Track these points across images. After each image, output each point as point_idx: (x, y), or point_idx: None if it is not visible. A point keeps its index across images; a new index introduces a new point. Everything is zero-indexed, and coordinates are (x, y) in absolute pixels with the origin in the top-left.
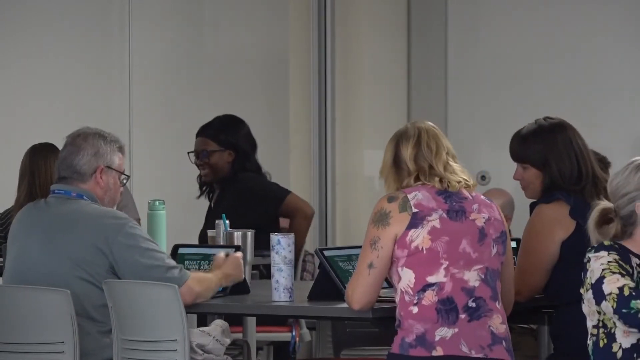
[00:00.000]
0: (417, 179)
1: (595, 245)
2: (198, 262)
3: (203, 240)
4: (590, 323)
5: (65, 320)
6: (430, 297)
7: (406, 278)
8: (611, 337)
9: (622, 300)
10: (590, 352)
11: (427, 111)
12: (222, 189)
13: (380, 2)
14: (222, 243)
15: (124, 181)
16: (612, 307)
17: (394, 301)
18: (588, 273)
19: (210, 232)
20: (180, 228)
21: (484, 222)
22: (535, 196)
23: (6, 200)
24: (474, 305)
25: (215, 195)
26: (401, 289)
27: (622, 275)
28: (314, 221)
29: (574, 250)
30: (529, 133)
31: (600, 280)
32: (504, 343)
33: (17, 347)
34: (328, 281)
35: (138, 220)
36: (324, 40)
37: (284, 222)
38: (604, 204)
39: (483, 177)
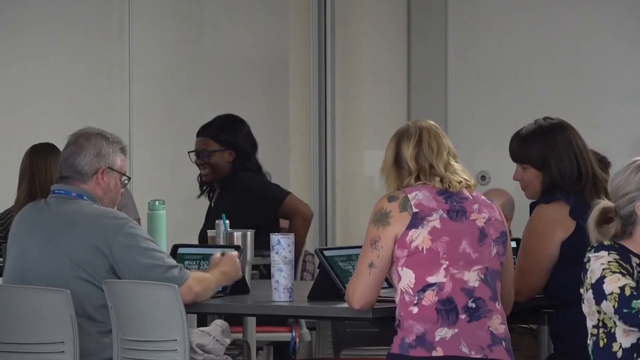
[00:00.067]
0: (417, 178)
1: (595, 245)
2: (198, 262)
3: (203, 240)
4: (590, 323)
5: (65, 320)
6: (430, 297)
7: (406, 278)
8: (611, 337)
9: (623, 300)
10: (590, 352)
11: (427, 111)
12: (222, 188)
13: (380, 2)
14: (222, 243)
15: (125, 182)
16: (614, 306)
17: (394, 301)
18: (588, 273)
19: (210, 232)
20: (180, 228)
21: (485, 223)
22: (535, 196)
23: (6, 200)
24: (473, 305)
25: (215, 194)
26: (401, 289)
27: (623, 275)
28: (314, 221)
29: (574, 250)
30: (529, 133)
31: (601, 280)
32: (503, 343)
33: (17, 347)
34: (328, 281)
35: (138, 220)
36: (324, 40)
37: (283, 223)
38: (604, 203)
39: (483, 177)
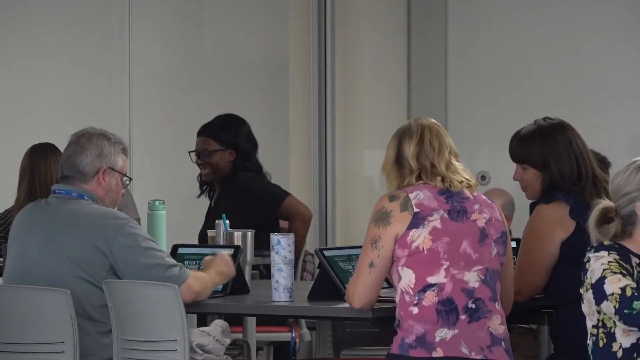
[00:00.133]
0: (418, 177)
1: (595, 245)
2: (198, 262)
3: (202, 239)
4: (589, 323)
5: (65, 320)
6: (430, 297)
7: (406, 278)
8: (611, 337)
9: (624, 301)
10: (590, 352)
11: (427, 111)
12: (222, 188)
13: (380, 2)
14: (222, 243)
15: (126, 183)
16: (614, 307)
17: (394, 301)
18: (588, 273)
19: (210, 232)
20: (180, 228)
21: (485, 223)
22: (536, 197)
23: (6, 200)
24: (473, 306)
25: (215, 194)
26: (401, 289)
27: (624, 276)
28: (313, 221)
29: (574, 250)
30: (528, 134)
31: (601, 280)
32: (502, 344)
33: (17, 347)
34: (328, 281)
35: (138, 220)
36: (324, 41)
37: (283, 223)
38: (605, 203)
39: (483, 177)
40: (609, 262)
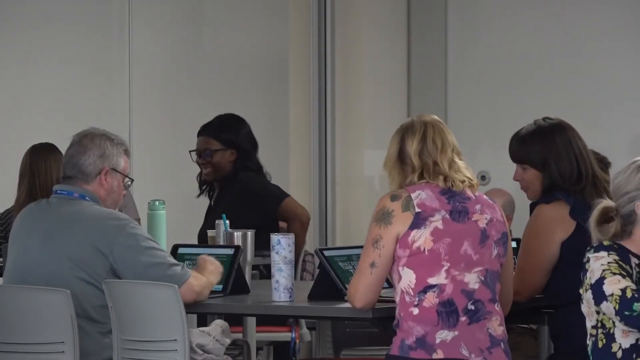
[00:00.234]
0: (421, 175)
1: (595, 245)
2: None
3: (202, 239)
4: (589, 323)
5: (65, 320)
6: (431, 298)
7: (407, 278)
8: (610, 338)
9: (624, 302)
10: (589, 353)
11: (427, 111)
12: (222, 188)
13: (380, 2)
14: (222, 243)
15: (128, 184)
16: (615, 308)
17: (394, 301)
18: (587, 273)
19: (210, 232)
20: (180, 228)
21: (486, 224)
22: (536, 197)
23: (6, 200)
24: (473, 307)
25: (215, 194)
26: (401, 289)
27: (623, 277)
28: (314, 221)
29: (574, 251)
30: (528, 134)
31: (601, 280)
32: (502, 345)
33: (17, 347)
34: (328, 281)
35: (138, 220)
36: (324, 41)
37: (283, 224)
38: (606, 202)
39: (483, 177)
40: (609, 262)
